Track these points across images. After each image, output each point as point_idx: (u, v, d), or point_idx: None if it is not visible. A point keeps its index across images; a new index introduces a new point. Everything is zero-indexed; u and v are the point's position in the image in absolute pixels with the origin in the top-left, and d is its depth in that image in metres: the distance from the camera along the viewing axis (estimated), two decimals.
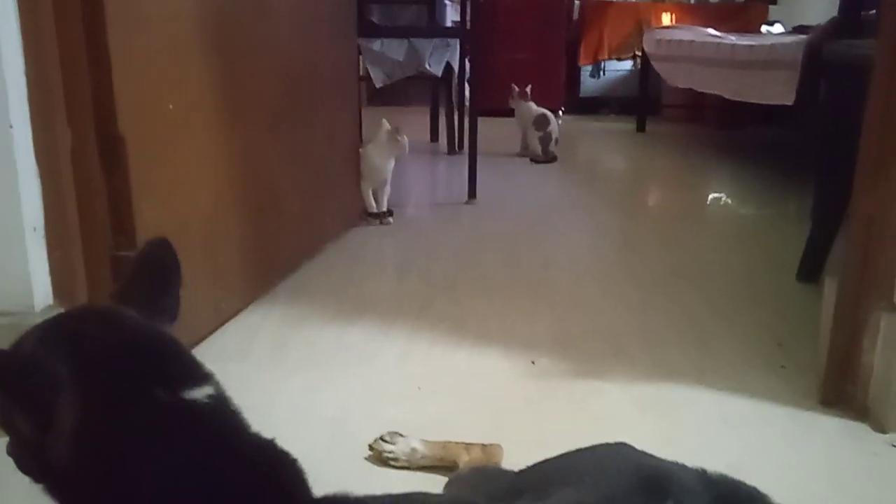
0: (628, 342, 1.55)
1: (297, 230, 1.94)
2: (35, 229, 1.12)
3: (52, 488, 0.63)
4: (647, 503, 0.75)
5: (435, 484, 1.03)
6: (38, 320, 0.90)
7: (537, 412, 1.26)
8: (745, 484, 0.89)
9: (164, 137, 1.35)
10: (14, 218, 1.10)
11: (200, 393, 0.63)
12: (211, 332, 1.53)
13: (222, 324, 1.58)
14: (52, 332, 0.65)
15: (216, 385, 0.66)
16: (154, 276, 0.71)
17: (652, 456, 0.85)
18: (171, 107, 1.36)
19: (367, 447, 1.11)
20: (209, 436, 0.63)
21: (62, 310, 1.08)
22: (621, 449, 0.87)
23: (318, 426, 1.20)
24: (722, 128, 4.66)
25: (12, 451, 0.65)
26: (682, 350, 1.50)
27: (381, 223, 2.43)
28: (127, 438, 0.60)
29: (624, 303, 1.79)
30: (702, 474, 0.86)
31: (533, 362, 1.44)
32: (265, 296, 1.76)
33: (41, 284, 1.13)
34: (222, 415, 0.65)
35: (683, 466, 0.85)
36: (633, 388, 1.34)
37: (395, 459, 1.08)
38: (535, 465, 0.89)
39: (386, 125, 2.40)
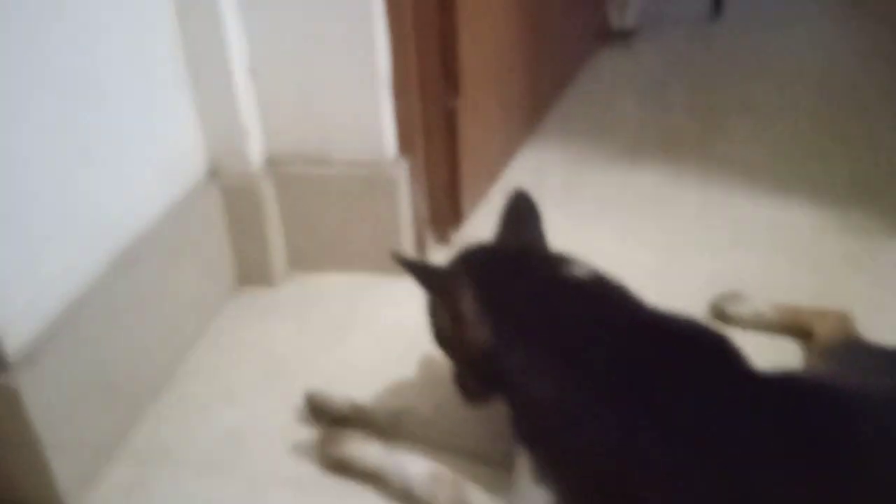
0: None
1: (560, 53, 1.85)
2: (384, 80, 1.14)
3: (494, 384, 0.81)
4: None
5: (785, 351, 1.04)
6: (391, 171, 1.15)
7: (863, 274, 1.20)
8: None
9: None
10: (370, 70, 1.12)
11: (580, 270, 0.82)
12: (503, 171, 1.55)
13: (511, 160, 1.59)
14: (459, 259, 0.88)
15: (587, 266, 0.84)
16: (521, 222, 0.91)
17: None
18: None
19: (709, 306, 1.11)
20: (616, 306, 0.81)
21: (406, 163, 1.19)
22: None
23: (631, 271, 0.88)
24: None
25: (455, 378, 0.87)
26: None
27: (626, 44, 2.27)
28: (521, 311, 0.79)
29: None
30: None
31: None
32: (538, 128, 1.73)
33: (389, 137, 1.17)
34: (608, 288, 0.82)
35: None
36: None
37: (739, 321, 1.07)
38: None
39: None
